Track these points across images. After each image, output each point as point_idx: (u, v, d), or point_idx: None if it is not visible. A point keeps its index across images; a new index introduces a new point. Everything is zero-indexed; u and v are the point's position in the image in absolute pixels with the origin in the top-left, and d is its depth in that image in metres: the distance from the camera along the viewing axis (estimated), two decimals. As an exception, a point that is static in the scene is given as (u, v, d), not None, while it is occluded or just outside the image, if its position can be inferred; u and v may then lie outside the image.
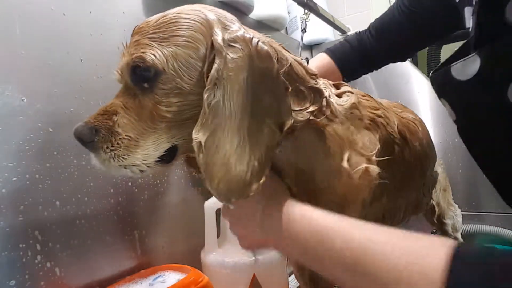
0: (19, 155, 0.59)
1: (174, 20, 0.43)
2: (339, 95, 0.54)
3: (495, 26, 0.44)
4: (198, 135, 0.40)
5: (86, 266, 0.66)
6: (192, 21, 0.43)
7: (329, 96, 0.52)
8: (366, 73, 0.90)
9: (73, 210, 0.65)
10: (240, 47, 0.41)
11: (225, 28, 0.43)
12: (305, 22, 1.22)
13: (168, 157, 0.46)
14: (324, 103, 0.49)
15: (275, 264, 0.80)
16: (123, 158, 0.43)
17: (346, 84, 0.58)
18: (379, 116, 0.56)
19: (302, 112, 0.46)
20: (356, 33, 0.88)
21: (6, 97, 0.58)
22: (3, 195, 0.56)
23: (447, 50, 1.91)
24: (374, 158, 0.51)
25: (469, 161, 1.17)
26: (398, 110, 0.68)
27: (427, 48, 1.96)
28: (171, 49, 0.42)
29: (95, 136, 0.43)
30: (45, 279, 0.60)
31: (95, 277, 0.68)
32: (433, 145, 0.77)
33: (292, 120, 0.44)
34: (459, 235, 0.90)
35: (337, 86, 0.56)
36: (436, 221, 0.86)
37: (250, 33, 0.44)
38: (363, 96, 0.59)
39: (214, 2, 1.02)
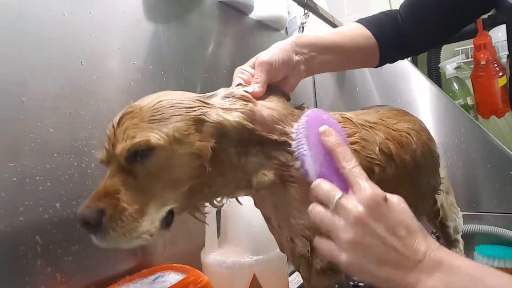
0: (19, 156, 0.58)
1: (171, 104, 0.46)
2: None
3: None
4: None
5: (86, 267, 0.66)
6: (188, 105, 0.47)
7: None
8: (402, 58, 0.82)
9: (73, 213, 0.65)
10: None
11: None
12: (303, 26, 1.23)
13: (167, 221, 0.47)
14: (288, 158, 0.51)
15: (275, 264, 0.80)
16: (134, 230, 0.44)
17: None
18: (354, 143, 0.55)
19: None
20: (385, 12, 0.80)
21: (6, 97, 0.58)
22: (3, 196, 0.56)
23: (447, 50, 1.91)
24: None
25: (469, 161, 1.18)
26: (392, 122, 0.66)
27: (427, 48, 1.96)
28: (171, 126, 0.45)
29: (102, 217, 0.42)
30: (46, 282, 0.60)
31: (94, 278, 0.67)
32: (433, 153, 0.75)
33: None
34: (459, 237, 0.91)
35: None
36: (438, 224, 0.86)
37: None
38: (343, 121, 0.58)
39: (214, 2, 1.02)
